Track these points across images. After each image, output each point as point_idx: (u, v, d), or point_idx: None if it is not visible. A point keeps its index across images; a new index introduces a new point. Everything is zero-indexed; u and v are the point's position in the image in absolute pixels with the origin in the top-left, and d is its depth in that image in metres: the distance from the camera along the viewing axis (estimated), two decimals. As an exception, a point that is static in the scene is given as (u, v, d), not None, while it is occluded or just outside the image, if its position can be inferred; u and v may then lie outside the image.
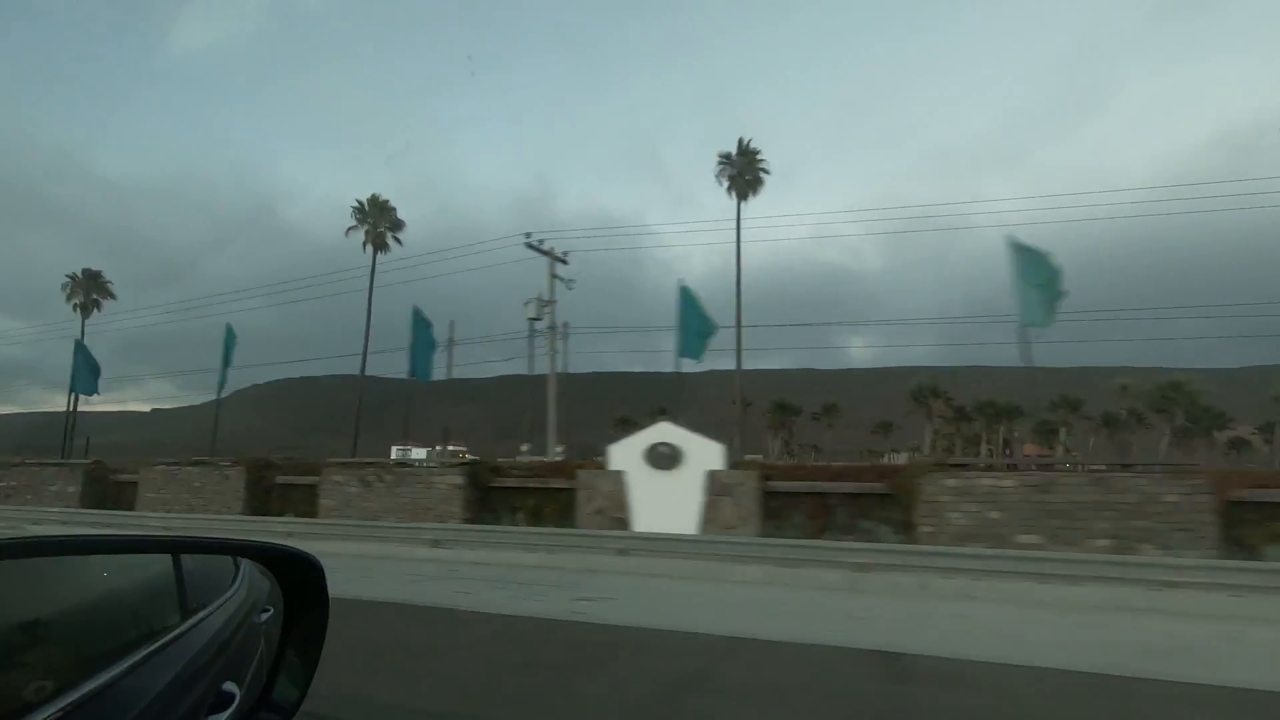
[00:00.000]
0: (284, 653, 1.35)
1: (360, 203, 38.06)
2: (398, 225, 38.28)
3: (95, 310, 45.17)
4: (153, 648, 1.23)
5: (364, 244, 37.42)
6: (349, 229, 37.71)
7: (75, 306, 44.82)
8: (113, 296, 46.12)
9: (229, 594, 1.48)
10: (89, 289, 45.16)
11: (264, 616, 1.46)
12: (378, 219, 37.64)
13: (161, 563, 1.32)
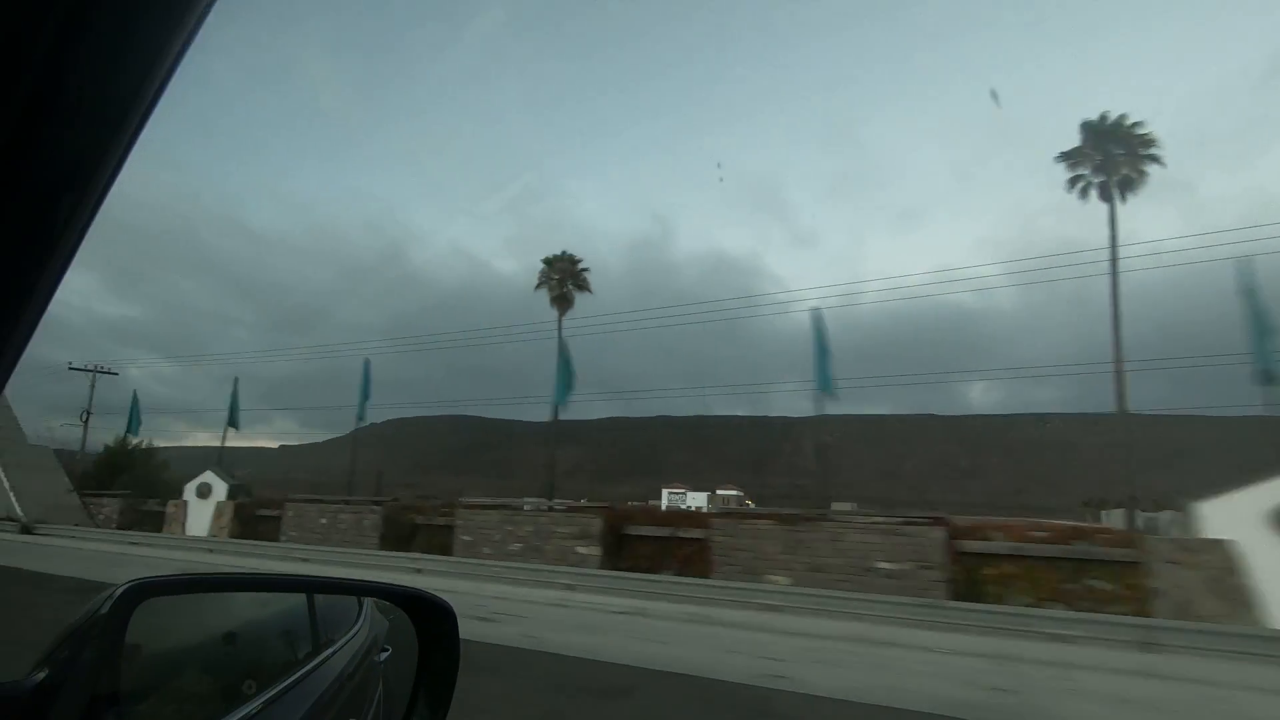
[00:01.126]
0: (417, 696, 1.39)
1: (548, 260, 37.43)
2: (582, 282, 36.58)
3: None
4: (288, 682, 1.33)
5: (550, 301, 35.88)
6: (536, 286, 36.82)
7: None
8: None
9: (353, 631, 1.58)
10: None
11: (383, 656, 1.55)
12: (564, 273, 36.82)
13: (297, 601, 1.44)
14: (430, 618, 1.47)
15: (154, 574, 1.01)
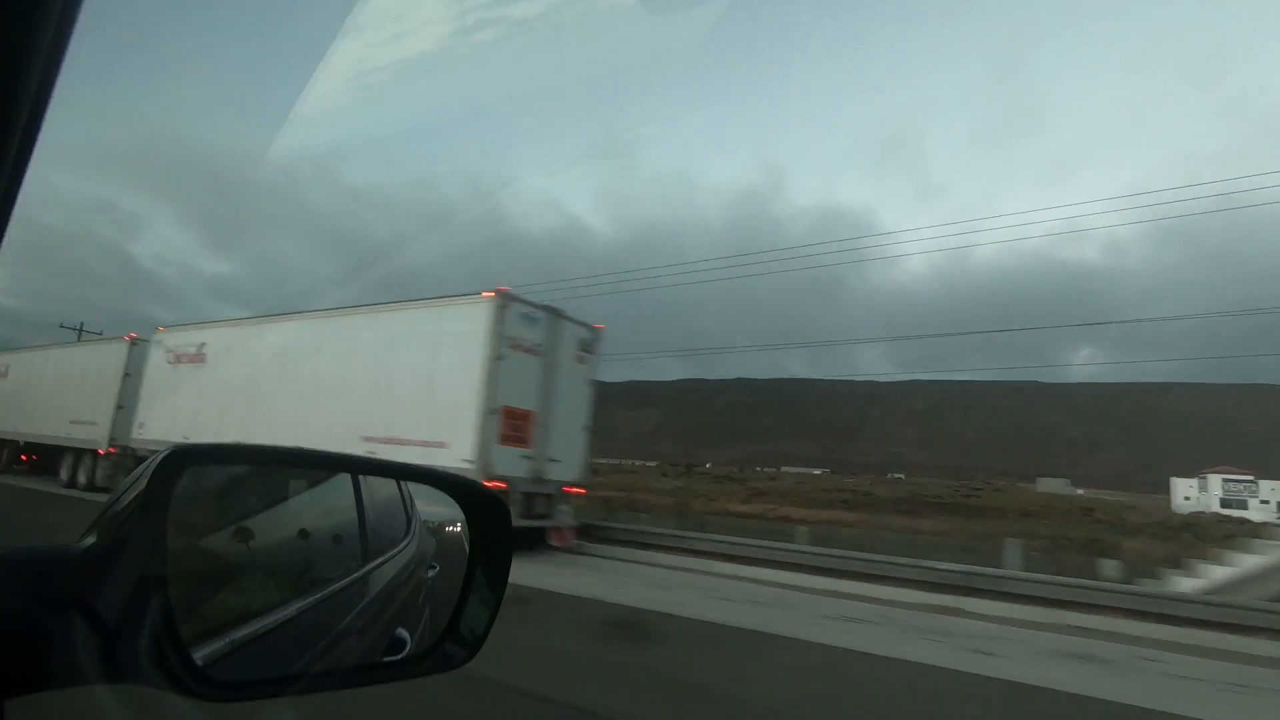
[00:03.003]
0: (467, 591, 1.38)
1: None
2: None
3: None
4: (338, 585, 1.34)
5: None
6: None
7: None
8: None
9: (403, 544, 1.59)
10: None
11: (431, 573, 1.55)
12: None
13: (348, 501, 1.44)
14: (482, 511, 1.43)
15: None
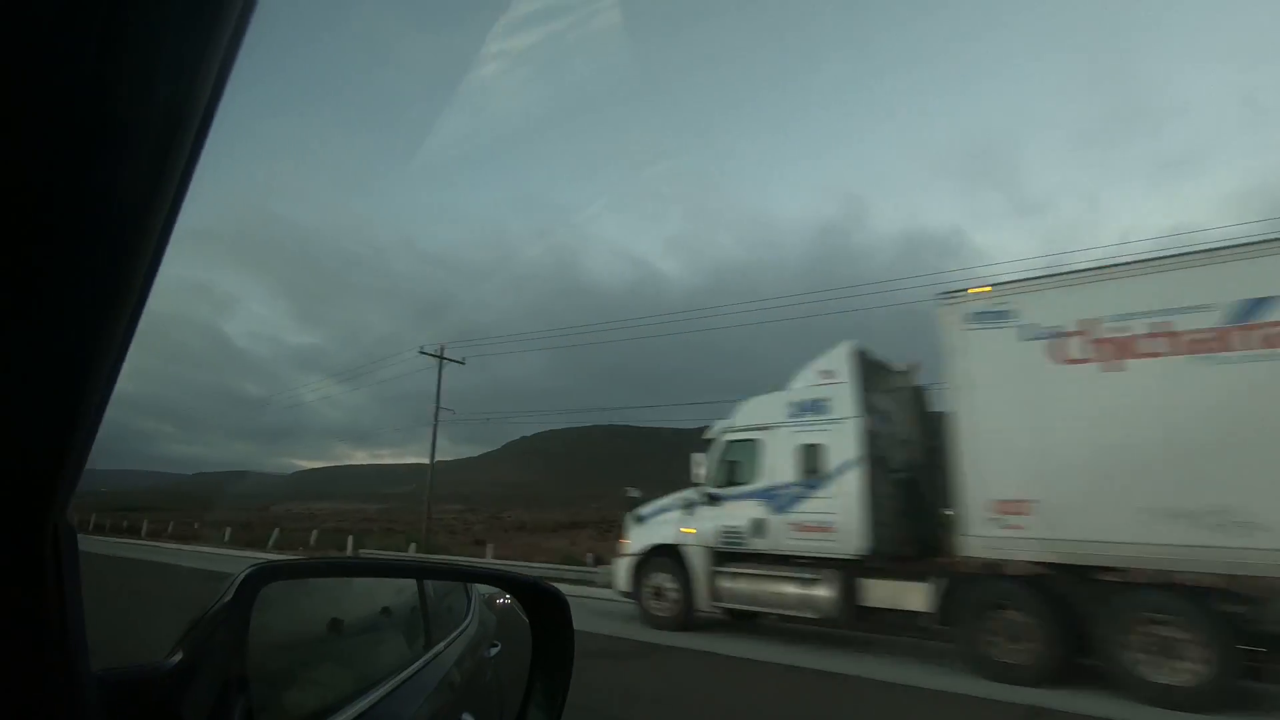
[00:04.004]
0: (534, 684, 1.43)
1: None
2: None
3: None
4: (405, 675, 1.43)
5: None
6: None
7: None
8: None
9: (463, 626, 1.68)
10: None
11: (493, 651, 1.63)
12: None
13: (409, 593, 1.55)
14: (544, 607, 1.47)
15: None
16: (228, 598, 0.93)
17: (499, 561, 22.01)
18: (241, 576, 0.97)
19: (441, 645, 1.58)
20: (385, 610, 1.51)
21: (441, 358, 31.01)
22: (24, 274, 0.55)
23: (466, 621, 1.69)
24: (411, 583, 1.57)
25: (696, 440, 12.60)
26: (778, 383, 11.70)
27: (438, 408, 30.72)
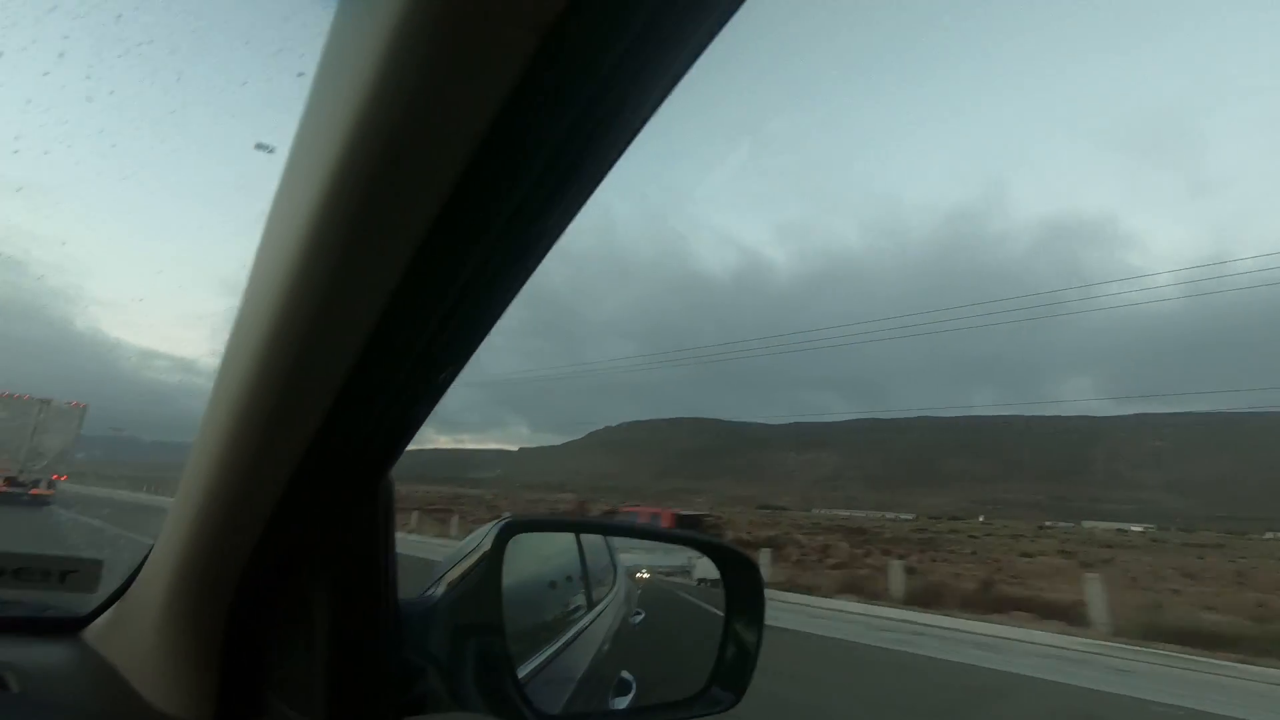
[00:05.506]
0: (726, 641, 1.54)
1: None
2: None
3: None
4: (575, 629, 1.57)
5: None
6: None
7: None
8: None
9: (614, 591, 1.81)
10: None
11: (638, 618, 1.75)
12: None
13: (572, 555, 1.69)
14: (735, 570, 1.53)
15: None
16: (486, 546, 1.03)
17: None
18: (499, 526, 1.07)
19: (600, 607, 1.71)
20: (556, 569, 1.65)
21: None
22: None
23: (616, 588, 1.81)
24: (572, 545, 1.70)
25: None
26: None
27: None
